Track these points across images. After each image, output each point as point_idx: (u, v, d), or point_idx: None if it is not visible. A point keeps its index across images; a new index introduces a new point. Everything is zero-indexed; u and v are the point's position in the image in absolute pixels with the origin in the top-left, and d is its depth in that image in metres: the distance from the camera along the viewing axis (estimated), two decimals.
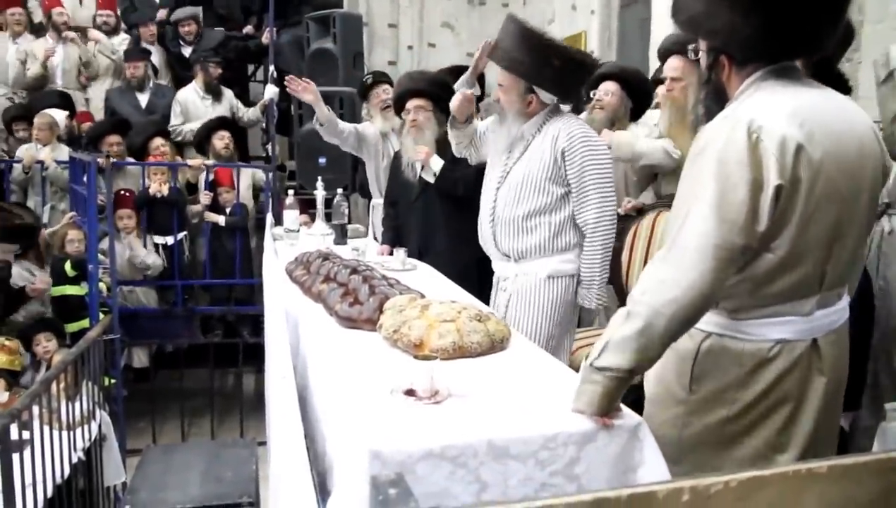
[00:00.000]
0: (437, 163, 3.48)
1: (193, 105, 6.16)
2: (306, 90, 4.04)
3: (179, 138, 6.08)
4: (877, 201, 1.72)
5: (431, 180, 3.51)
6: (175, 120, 6.12)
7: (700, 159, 1.54)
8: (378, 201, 4.31)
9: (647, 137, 3.44)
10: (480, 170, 3.11)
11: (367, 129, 4.30)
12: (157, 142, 5.74)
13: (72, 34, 6.20)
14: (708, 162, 1.51)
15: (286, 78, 4.14)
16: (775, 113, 1.51)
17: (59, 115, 5.72)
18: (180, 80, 6.55)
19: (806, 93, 1.60)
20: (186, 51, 6.56)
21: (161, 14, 6.72)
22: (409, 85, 3.72)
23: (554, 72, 2.61)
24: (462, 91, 3.01)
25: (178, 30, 6.55)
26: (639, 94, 3.65)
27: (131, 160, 5.68)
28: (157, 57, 6.55)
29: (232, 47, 6.67)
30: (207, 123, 5.90)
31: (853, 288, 1.81)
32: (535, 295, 2.74)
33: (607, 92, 3.58)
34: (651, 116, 3.67)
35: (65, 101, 5.98)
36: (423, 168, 3.55)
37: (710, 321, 1.63)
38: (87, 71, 6.33)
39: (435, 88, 3.62)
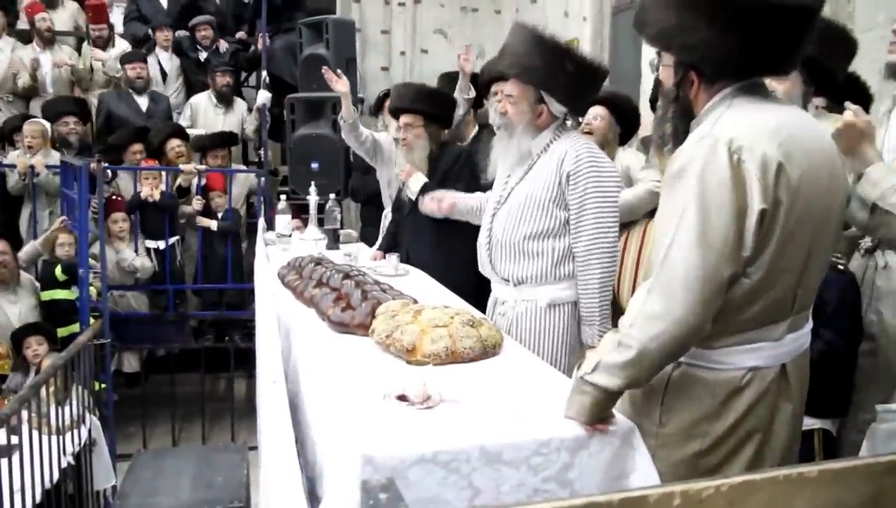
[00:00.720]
0: (416, 183, 3.38)
1: (204, 112, 6.28)
2: (339, 82, 4.00)
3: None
4: (842, 226, 1.70)
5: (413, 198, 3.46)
6: (183, 123, 6.21)
7: (679, 182, 1.49)
8: (387, 212, 4.31)
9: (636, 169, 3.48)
10: (469, 192, 3.09)
11: (382, 137, 4.28)
12: (174, 142, 5.75)
13: (61, 50, 6.19)
14: (688, 186, 1.46)
15: (323, 69, 4.11)
16: (755, 132, 1.47)
17: (48, 123, 5.69)
18: (192, 86, 6.64)
19: (781, 111, 1.57)
20: (202, 56, 6.68)
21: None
22: (395, 102, 3.67)
23: (568, 78, 2.49)
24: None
25: (195, 34, 6.66)
26: (627, 119, 3.68)
27: (123, 165, 5.67)
28: (169, 63, 6.62)
29: (226, 53, 6.72)
30: (210, 136, 5.94)
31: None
32: (535, 323, 2.59)
33: (596, 116, 3.59)
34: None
35: (80, 108, 5.97)
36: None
37: None
38: (80, 85, 6.32)
39: (423, 103, 3.53)
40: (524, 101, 2.57)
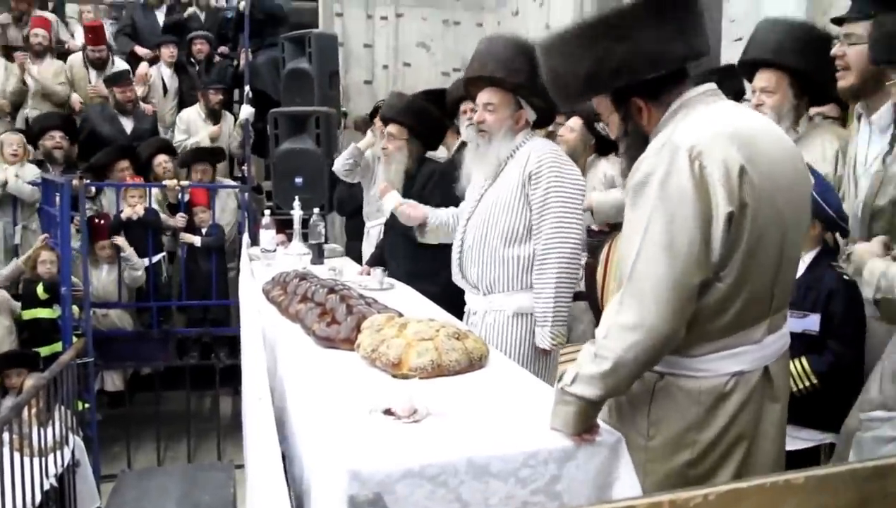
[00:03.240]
0: (389, 203, 3.30)
1: (195, 124, 6.37)
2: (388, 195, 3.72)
3: (181, 152, 6.19)
4: (809, 218, 1.72)
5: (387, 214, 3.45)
6: (179, 136, 6.34)
7: (642, 193, 1.49)
8: (369, 225, 4.29)
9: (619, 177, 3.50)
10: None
11: (369, 154, 4.31)
12: (161, 158, 5.81)
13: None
14: (651, 196, 1.47)
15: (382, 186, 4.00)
16: (714, 137, 1.48)
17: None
18: (185, 99, 6.73)
19: (737, 115, 1.59)
20: (195, 69, 6.81)
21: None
22: (385, 110, 3.68)
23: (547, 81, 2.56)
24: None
25: (191, 48, 6.82)
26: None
27: (106, 182, 5.64)
28: (170, 79, 6.72)
29: (217, 71, 6.84)
30: (193, 151, 5.99)
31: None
32: (502, 333, 2.61)
33: (570, 128, 3.67)
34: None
35: (66, 123, 5.95)
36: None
37: (662, 361, 1.56)
38: (54, 98, 6.28)
39: (410, 118, 3.54)
40: (504, 108, 2.61)
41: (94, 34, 6.39)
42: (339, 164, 4.27)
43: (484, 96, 2.65)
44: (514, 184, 2.56)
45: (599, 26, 1.55)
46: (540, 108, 2.65)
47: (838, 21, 2.39)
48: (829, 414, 2.29)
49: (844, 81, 2.32)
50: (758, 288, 1.55)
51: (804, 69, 2.50)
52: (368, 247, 4.28)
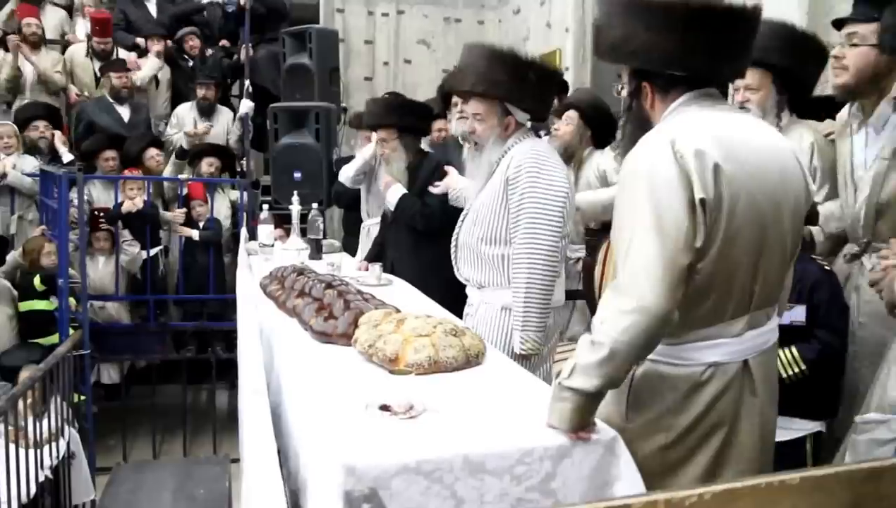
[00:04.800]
0: (393, 195, 3.43)
1: (190, 121, 6.27)
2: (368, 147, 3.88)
3: (171, 148, 6.14)
4: (801, 224, 1.75)
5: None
6: (171, 130, 6.28)
7: (631, 185, 1.57)
8: (370, 222, 4.29)
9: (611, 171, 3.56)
10: (446, 203, 3.14)
11: (367, 151, 4.26)
12: (152, 151, 5.79)
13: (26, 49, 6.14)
14: (639, 187, 1.53)
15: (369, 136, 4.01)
16: (695, 134, 1.54)
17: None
18: (180, 95, 6.65)
19: (727, 116, 1.64)
20: (190, 64, 6.73)
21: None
22: (368, 119, 3.74)
23: (531, 86, 2.58)
24: None
25: (183, 45, 6.73)
26: (600, 122, 3.76)
27: (104, 174, 5.63)
28: (160, 72, 6.61)
29: (210, 64, 6.74)
30: (200, 147, 5.95)
31: (783, 308, 1.85)
32: (493, 325, 2.66)
33: (567, 120, 3.72)
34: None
35: (50, 113, 5.90)
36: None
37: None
38: (48, 85, 6.25)
39: (393, 117, 3.60)
40: (491, 117, 2.64)
41: (100, 26, 6.35)
42: (349, 177, 4.21)
43: (471, 107, 2.68)
44: (498, 188, 2.61)
45: (641, 6, 1.61)
46: (530, 109, 2.68)
47: (839, 23, 2.41)
48: (815, 403, 2.38)
49: (840, 79, 2.37)
50: (735, 282, 1.60)
51: (787, 67, 2.57)
52: (365, 244, 4.28)
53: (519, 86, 2.58)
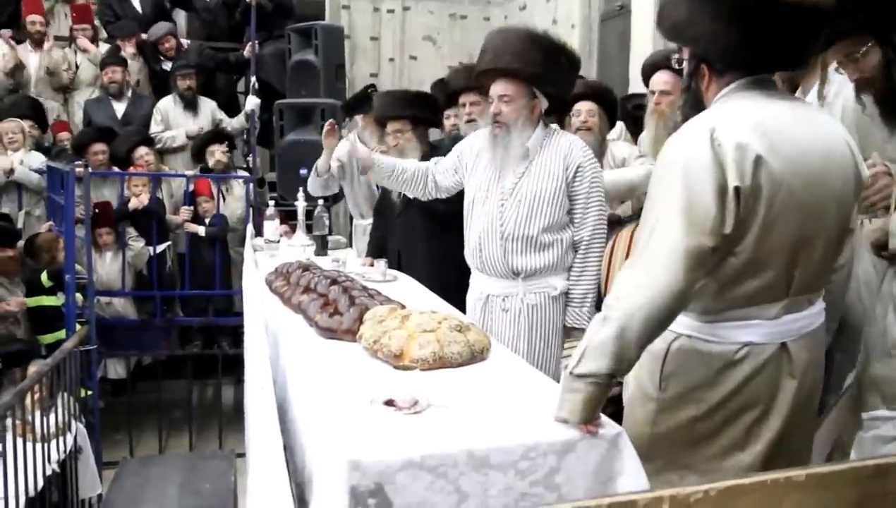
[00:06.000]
0: (341, 151, 3.42)
1: (174, 114, 6.17)
2: (330, 134, 3.74)
3: (160, 145, 6.06)
4: (849, 211, 1.74)
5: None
6: (155, 127, 6.11)
7: (668, 170, 1.59)
8: (360, 222, 4.28)
9: (631, 159, 3.47)
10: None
11: (342, 152, 4.17)
12: (142, 151, 5.72)
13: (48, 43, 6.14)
14: (675, 172, 1.56)
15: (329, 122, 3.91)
16: (737, 123, 1.55)
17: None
18: (160, 94, 6.51)
19: (773, 104, 1.63)
20: (167, 66, 6.51)
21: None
22: (381, 111, 3.75)
23: (562, 71, 2.65)
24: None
25: (158, 47, 6.51)
26: (612, 110, 3.70)
27: (113, 169, 5.64)
28: (138, 70, 6.51)
29: (209, 56, 6.60)
30: (203, 136, 5.91)
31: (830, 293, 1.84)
32: (549, 312, 2.73)
33: (591, 112, 3.52)
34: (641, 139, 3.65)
35: (33, 109, 5.86)
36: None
37: (680, 322, 1.66)
38: (52, 80, 6.26)
39: (408, 109, 3.63)
40: (520, 98, 2.66)
41: (79, 12, 6.33)
42: (312, 190, 3.98)
43: (499, 88, 2.67)
44: (558, 175, 2.67)
45: None
46: (553, 96, 2.71)
47: None
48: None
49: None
50: (773, 268, 1.61)
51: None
52: (357, 242, 4.29)
53: (551, 70, 2.62)
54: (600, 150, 3.43)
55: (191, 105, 6.16)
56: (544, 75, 2.62)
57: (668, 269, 1.50)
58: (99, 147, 5.57)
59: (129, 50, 6.40)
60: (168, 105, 6.19)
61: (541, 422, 1.55)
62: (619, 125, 3.89)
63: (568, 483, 1.49)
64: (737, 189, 1.50)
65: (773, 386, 1.68)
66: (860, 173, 1.72)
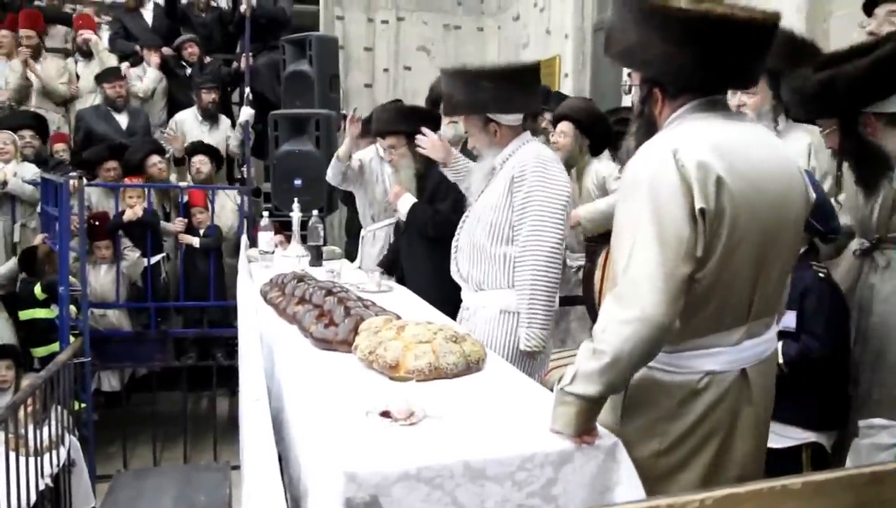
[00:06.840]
0: (404, 205, 3.42)
1: (190, 128, 6.25)
2: (353, 125, 3.90)
3: (169, 156, 6.11)
4: (801, 235, 1.75)
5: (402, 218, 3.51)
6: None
7: (632, 194, 1.55)
8: (373, 227, 4.26)
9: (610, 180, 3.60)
10: (457, 209, 3.12)
11: (364, 156, 4.17)
12: (154, 159, 5.75)
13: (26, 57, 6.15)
14: (641, 195, 1.52)
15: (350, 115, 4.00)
16: (697, 144, 1.53)
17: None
18: (177, 103, 6.60)
19: (728, 126, 1.62)
20: (188, 71, 6.67)
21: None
22: (377, 126, 3.74)
23: (493, 91, 2.61)
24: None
25: (181, 52, 6.68)
26: (594, 129, 3.77)
27: (104, 182, 5.63)
28: (156, 82, 6.57)
29: (210, 71, 6.69)
30: (191, 145, 5.95)
31: (780, 318, 1.84)
32: (490, 328, 2.66)
33: (561, 132, 3.73)
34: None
35: (38, 122, 5.87)
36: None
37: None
38: (54, 96, 6.26)
39: (402, 124, 3.58)
40: (475, 129, 2.74)
41: (82, 19, 6.38)
42: (331, 176, 4.19)
43: (463, 124, 2.87)
44: (502, 187, 2.65)
45: (658, 16, 1.56)
46: (519, 109, 2.71)
47: (870, 5, 2.39)
48: (807, 412, 2.36)
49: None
50: (734, 293, 1.59)
51: (784, 71, 2.55)
52: (365, 251, 4.26)
53: (500, 96, 2.63)
54: (574, 169, 3.53)
55: (212, 118, 6.28)
56: (494, 104, 2.64)
57: (651, 300, 1.47)
58: (111, 164, 5.62)
59: (154, 60, 6.49)
60: (186, 117, 6.28)
61: (537, 433, 1.55)
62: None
63: (565, 494, 1.48)
64: (702, 211, 1.49)
65: (734, 415, 1.65)
66: (809, 196, 1.73)
